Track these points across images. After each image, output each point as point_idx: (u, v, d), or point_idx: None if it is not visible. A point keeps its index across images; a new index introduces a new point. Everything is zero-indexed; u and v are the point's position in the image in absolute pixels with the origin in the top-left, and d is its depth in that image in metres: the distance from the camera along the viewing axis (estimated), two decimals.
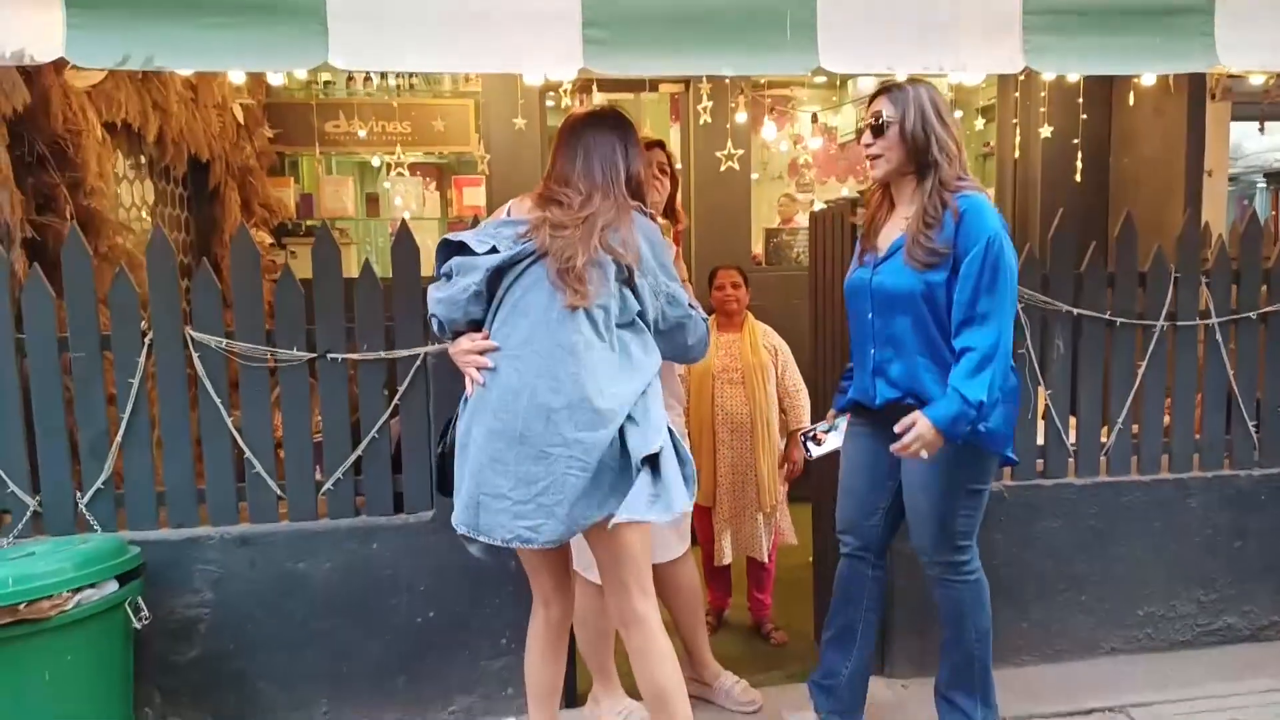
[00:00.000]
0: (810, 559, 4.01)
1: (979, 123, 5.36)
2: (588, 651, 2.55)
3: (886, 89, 2.26)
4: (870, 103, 2.29)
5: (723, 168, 4.61)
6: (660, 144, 2.54)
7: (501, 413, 1.89)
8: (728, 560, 3.22)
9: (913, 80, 2.27)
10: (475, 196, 5.26)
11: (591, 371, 1.87)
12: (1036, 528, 2.82)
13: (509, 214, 2.18)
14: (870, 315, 2.24)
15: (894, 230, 2.26)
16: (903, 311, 2.16)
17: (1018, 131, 5.05)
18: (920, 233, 2.13)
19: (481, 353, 1.96)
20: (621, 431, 1.87)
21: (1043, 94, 4.66)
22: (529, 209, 2.10)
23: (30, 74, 2.61)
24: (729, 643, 3.26)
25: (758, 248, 5.57)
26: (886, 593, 2.48)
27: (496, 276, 1.98)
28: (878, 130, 2.23)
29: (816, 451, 2.48)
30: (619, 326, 1.95)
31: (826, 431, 2.50)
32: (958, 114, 6.05)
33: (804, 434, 2.51)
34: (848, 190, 7.24)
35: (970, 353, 2.07)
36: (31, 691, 2.10)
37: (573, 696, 2.69)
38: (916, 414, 2.08)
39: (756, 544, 3.16)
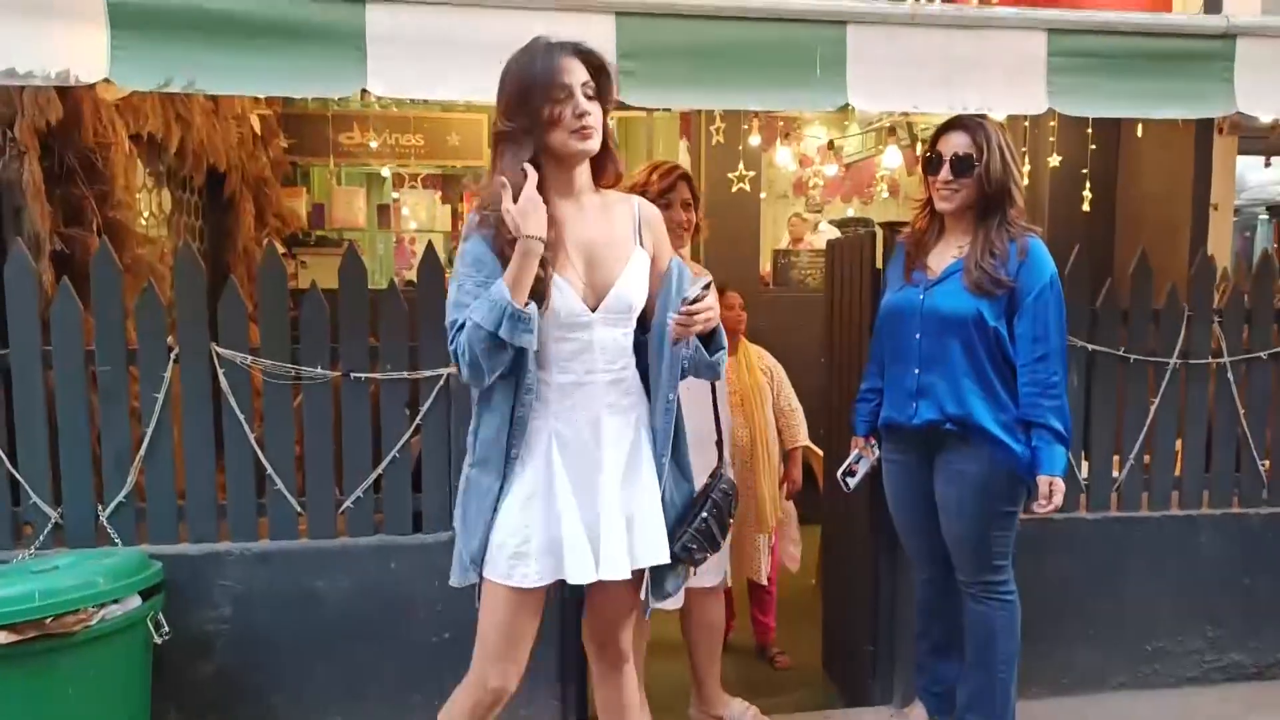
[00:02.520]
0: (814, 581, 4.03)
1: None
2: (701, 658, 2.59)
3: (963, 124, 2.30)
4: (941, 135, 2.32)
5: (734, 189, 4.65)
6: (685, 176, 2.54)
7: None
8: (728, 583, 3.24)
9: (976, 116, 2.30)
10: None
11: None
12: (1047, 561, 2.85)
13: None
14: (918, 336, 2.31)
15: (946, 254, 2.33)
16: (955, 335, 2.25)
17: (1026, 160, 5.10)
18: (985, 261, 2.23)
19: None
20: None
21: (1052, 123, 4.71)
22: None
23: (63, 87, 2.63)
24: (733, 666, 3.27)
25: (766, 268, 5.61)
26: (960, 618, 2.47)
27: None
28: (961, 168, 2.27)
29: (853, 483, 2.54)
30: None
31: (857, 462, 2.55)
32: None
33: (840, 472, 2.55)
34: (853, 210, 7.30)
35: (1052, 389, 2.22)
36: (56, 707, 2.10)
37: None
38: (1051, 481, 2.22)
39: (756, 566, 3.18)
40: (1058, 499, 2.24)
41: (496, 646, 1.80)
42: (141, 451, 2.48)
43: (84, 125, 2.73)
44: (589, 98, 1.70)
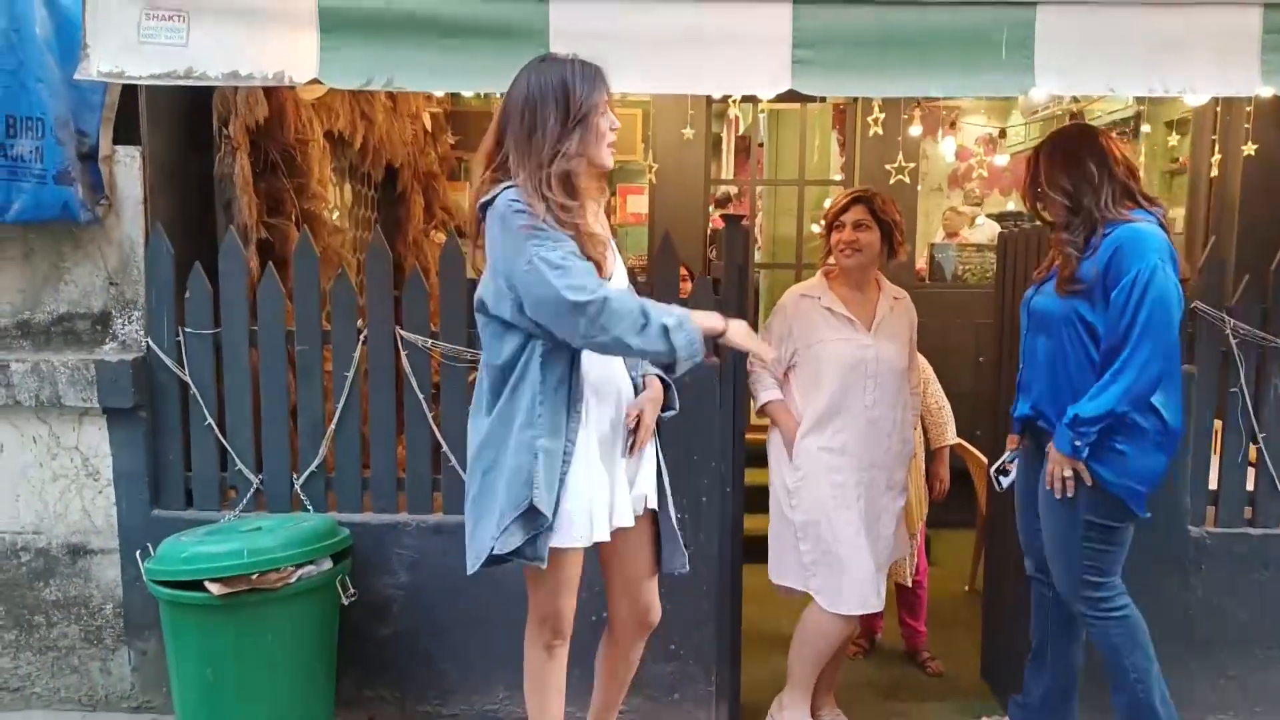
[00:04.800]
0: (967, 587, 3.88)
1: (1172, 138, 5.01)
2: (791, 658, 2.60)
3: None
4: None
5: (892, 180, 4.52)
6: (863, 198, 2.57)
7: None
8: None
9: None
10: (638, 204, 5.38)
11: None
12: (1240, 579, 2.63)
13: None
14: (1026, 333, 2.36)
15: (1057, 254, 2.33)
16: (1048, 333, 2.24)
17: (1216, 148, 4.70)
18: (1063, 264, 2.22)
19: None
20: None
21: (1248, 108, 4.32)
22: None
23: (269, 88, 2.85)
24: (881, 669, 3.20)
25: (920, 262, 5.43)
26: (1073, 616, 2.38)
27: None
28: None
29: (1006, 482, 2.47)
30: None
31: (1012, 461, 2.46)
32: (1145, 128, 5.74)
33: (994, 469, 2.48)
34: (1013, 204, 6.94)
35: (1104, 381, 2.10)
36: (257, 653, 2.30)
37: None
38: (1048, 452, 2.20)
39: (901, 568, 3.09)
40: (1048, 474, 2.19)
41: (566, 601, 1.98)
42: (332, 426, 2.67)
43: (286, 123, 2.94)
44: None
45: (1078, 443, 2.12)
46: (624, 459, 1.97)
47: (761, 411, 2.63)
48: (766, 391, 2.58)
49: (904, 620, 3.27)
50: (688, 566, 2.12)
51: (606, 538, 1.93)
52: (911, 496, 2.97)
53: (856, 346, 2.50)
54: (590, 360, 1.90)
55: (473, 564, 1.91)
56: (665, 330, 1.78)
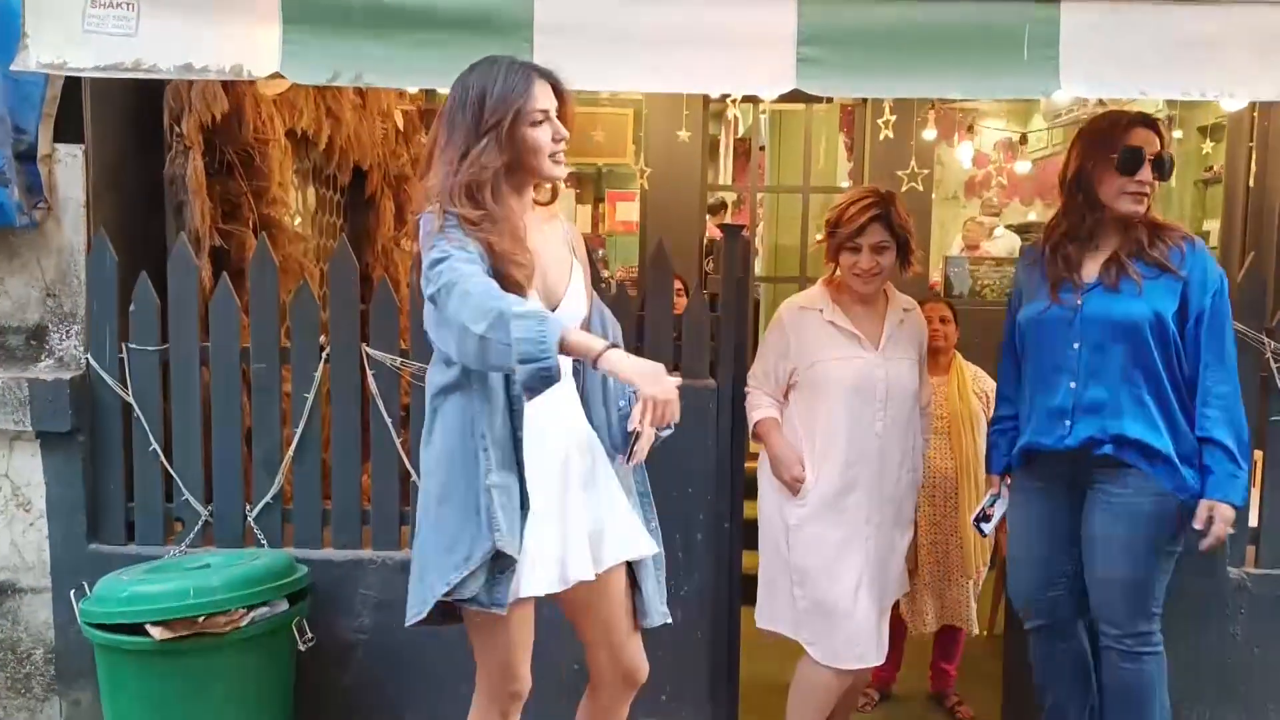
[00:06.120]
0: (984, 632, 3.87)
1: (1206, 145, 5.07)
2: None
3: (1150, 120, 2.28)
4: (1133, 129, 2.27)
5: (904, 188, 4.55)
6: (881, 216, 2.43)
7: None
8: (932, 629, 3.14)
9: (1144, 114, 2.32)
10: (629, 212, 5.39)
11: None
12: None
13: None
14: (1077, 346, 2.24)
15: (1097, 261, 2.27)
16: (1124, 341, 2.19)
17: (1254, 156, 4.75)
18: (1150, 250, 2.22)
19: None
20: None
21: None
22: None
23: (227, 82, 2.84)
24: (905, 714, 3.17)
25: (934, 276, 5.46)
26: (1087, 666, 2.40)
27: None
28: (1163, 169, 2.25)
29: (989, 528, 2.48)
30: None
31: (992, 505, 2.48)
32: (1176, 134, 5.79)
33: (974, 518, 2.49)
34: (1035, 215, 6.99)
35: (1222, 399, 2.16)
36: (204, 704, 2.27)
37: None
38: (1212, 506, 2.15)
39: (963, 612, 3.07)
40: (1219, 529, 2.15)
41: (520, 661, 1.90)
42: (290, 452, 2.64)
43: (245, 121, 2.94)
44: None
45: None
46: (584, 499, 1.91)
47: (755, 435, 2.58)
48: (757, 410, 2.50)
49: (936, 664, 3.26)
50: (670, 618, 2.06)
51: (556, 589, 1.86)
52: (970, 538, 2.94)
53: (863, 366, 2.42)
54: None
55: (417, 612, 1.84)
56: (507, 317, 1.60)
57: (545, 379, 1.61)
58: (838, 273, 2.51)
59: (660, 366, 1.69)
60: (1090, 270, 2.27)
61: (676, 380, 1.70)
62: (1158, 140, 2.25)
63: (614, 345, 1.71)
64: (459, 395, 1.81)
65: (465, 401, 1.81)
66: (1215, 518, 2.14)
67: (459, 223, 1.76)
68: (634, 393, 1.89)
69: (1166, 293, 2.18)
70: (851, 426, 2.41)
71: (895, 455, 2.46)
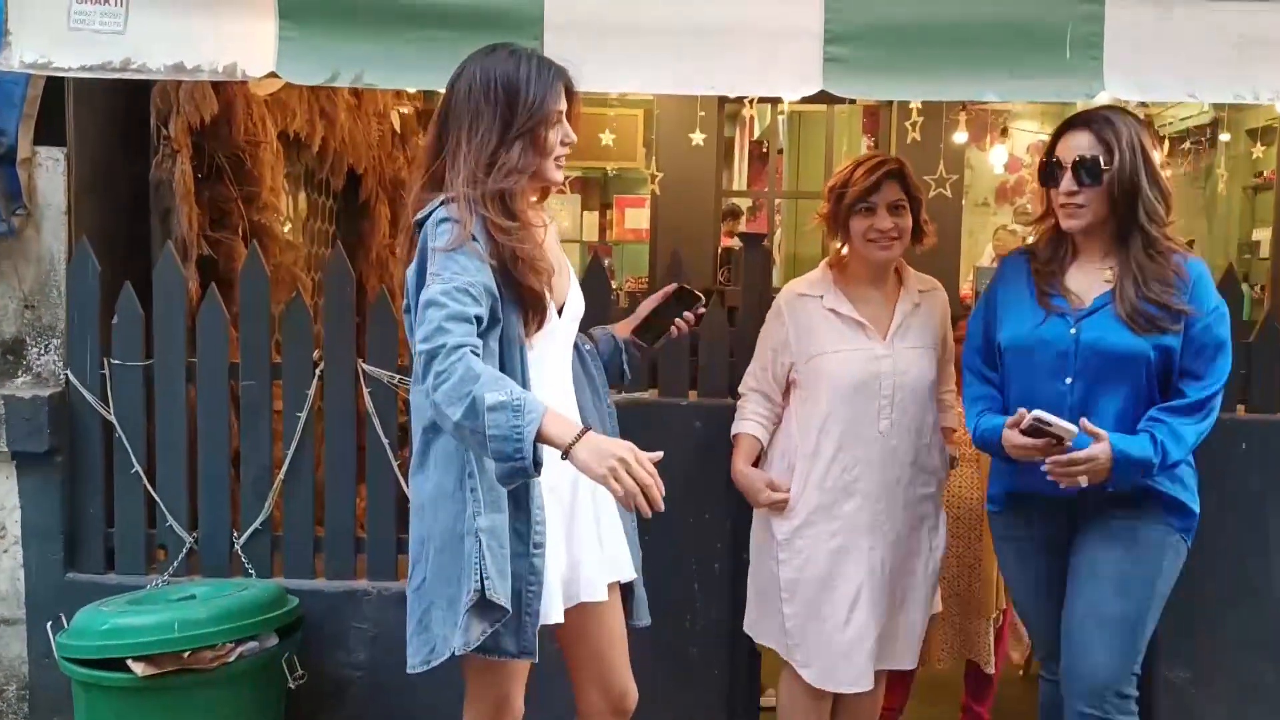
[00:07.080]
0: (1022, 672, 3.85)
1: (1256, 149, 5.07)
2: None
3: (1087, 121, 2.11)
4: (1060, 137, 2.14)
5: (932, 193, 4.54)
6: (896, 173, 2.36)
7: None
8: (943, 665, 3.11)
9: (1114, 109, 2.15)
10: (638, 218, 5.39)
11: None
12: None
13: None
14: (1070, 379, 2.11)
15: (1089, 281, 2.15)
16: (1127, 379, 2.08)
17: None
18: (1152, 289, 2.05)
19: None
20: None
21: None
22: None
23: (217, 83, 2.86)
24: None
25: (965, 288, 5.45)
26: None
27: None
28: (1086, 174, 2.06)
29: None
30: None
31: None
32: (1224, 137, 5.79)
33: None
34: None
35: (1195, 408, 2.07)
36: None
37: None
38: (1105, 449, 1.98)
39: (983, 648, 3.04)
40: (1083, 459, 1.97)
41: (517, 694, 1.93)
42: (280, 476, 2.64)
43: (235, 122, 2.95)
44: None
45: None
46: (592, 515, 1.95)
47: None
48: (737, 422, 2.45)
49: (968, 706, 3.24)
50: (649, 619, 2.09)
51: (560, 618, 1.87)
52: (992, 576, 2.91)
53: (867, 358, 2.33)
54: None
55: (424, 660, 1.83)
56: (479, 407, 1.55)
57: (522, 474, 1.60)
58: (844, 251, 2.41)
59: (630, 448, 1.60)
60: (1086, 291, 2.15)
61: (656, 456, 1.62)
62: (1087, 140, 2.08)
63: (587, 430, 1.64)
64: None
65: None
66: (1096, 454, 1.97)
67: (484, 226, 1.75)
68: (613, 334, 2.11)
69: (1169, 326, 2.07)
70: (850, 425, 2.33)
71: (905, 457, 2.37)
